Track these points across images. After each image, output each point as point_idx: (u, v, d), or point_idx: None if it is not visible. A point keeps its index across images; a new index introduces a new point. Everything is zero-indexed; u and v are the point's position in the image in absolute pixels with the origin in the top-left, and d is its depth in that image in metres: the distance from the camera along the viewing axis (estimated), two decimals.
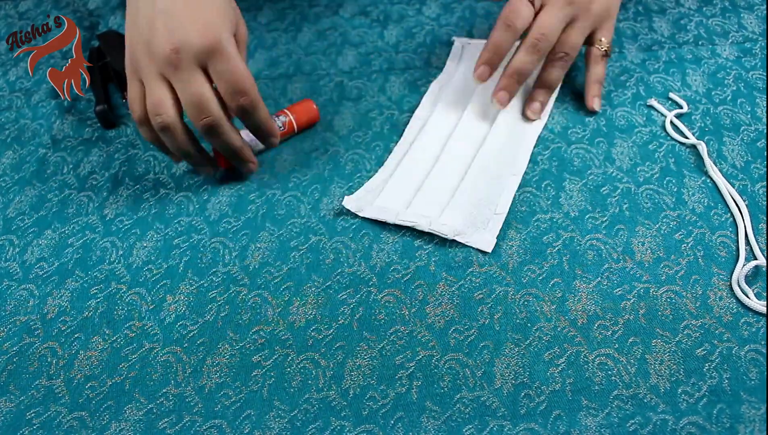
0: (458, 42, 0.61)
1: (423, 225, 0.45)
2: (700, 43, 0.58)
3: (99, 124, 0.57)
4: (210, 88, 0.44)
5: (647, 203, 0.46)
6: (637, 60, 0.57)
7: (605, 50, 0.52)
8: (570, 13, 0.49)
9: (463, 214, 0.46)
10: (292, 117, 0.53)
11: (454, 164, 0.49)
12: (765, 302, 0.40)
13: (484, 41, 0.60)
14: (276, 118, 0.52)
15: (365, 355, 0.40)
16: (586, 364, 0.38)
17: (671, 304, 0.40)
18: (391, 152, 0.51)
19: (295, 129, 0.53)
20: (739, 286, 0.40)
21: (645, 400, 0.37)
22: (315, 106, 0.54)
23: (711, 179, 0.47)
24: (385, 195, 0.48)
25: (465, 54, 0.59)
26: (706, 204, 0.45)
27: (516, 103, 0.53)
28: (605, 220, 0.45)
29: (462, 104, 0.54)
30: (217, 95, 0.44)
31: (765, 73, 0.54)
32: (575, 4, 0.49)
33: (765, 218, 0.44)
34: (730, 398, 0.36)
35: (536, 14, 0.50)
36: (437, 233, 0.45)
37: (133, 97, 0.46)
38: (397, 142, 0.52)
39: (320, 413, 0.38)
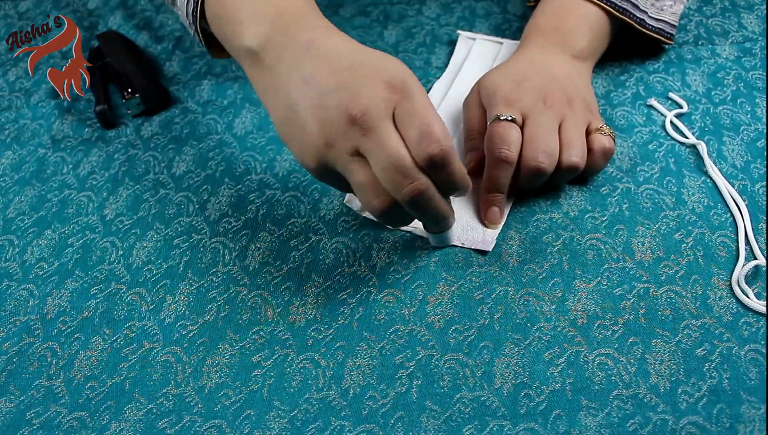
0: (462, 36, 0.61)
1: (422, 230, 0.45)
2: (699, 42, 0.58)
3: (99, 124, 0.57)
4: (406, 146, 0.35)
5: (647, 203, 0.46)
6: (637, 59, 0.57)
7: (608, 133, 0.46)
8: (558, 114, 0.45)
9: (463, 219, 0.46)
10: None
11: None
12: (765, 302, 0.40)
13: (488, 37, 0.60)
14: None
15: (365, 355, 0.40)
16: (586, 363, 0.38)
17: (671, 304, 0.40)
18: None
19: None
20: (738, 285, 0.40)
21: (645, 400, 0.37)
22: None
23: (711, 179, 0.47)
24: None
25: (470, 50, 0.59)
26: (705, 204, 0.45)
27: None
28: (605, 220, 0.45)
29: None
30: None
31: (765, 73, 0.54)
32: (556, 106, 0.45)
33: (765, 218, 0.44)
34: (730, 398, 0.36)
35: (522, 127, 0.45)
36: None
37: (354, 195, 0.39)
38: None
39: (320, 413, 0.38)
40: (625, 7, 0.51)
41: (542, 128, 0.44)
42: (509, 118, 0.44)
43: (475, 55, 0.59)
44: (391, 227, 0.46)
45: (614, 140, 0.46)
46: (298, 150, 0.38)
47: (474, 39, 0.60)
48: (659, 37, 0.53)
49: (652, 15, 0.53)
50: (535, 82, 0.47)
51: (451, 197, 0.45)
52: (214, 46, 0.47)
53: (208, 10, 0.43)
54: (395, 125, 0.36)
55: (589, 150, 0.45)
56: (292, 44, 0.39)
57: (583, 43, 0.51)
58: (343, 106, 0.35)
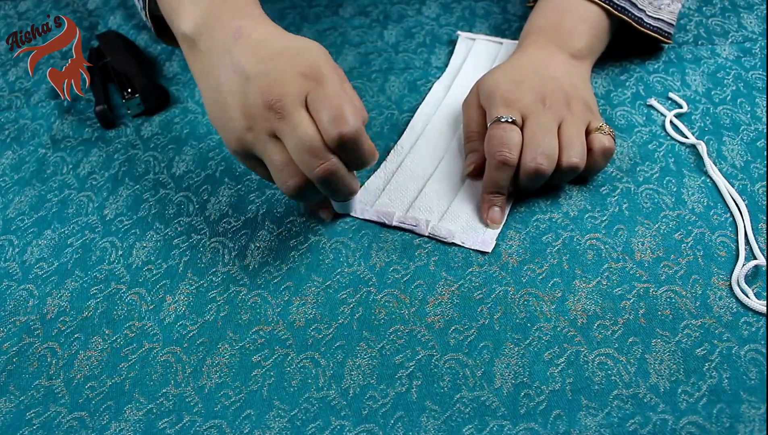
0: (462, 37, 0.61)
1: (422, 229, 0.45)
2: (699, 42, 0.58)
3: (99, 124, 0.57)
4: (317, 129, 0.38)
5: (647, 203, 0.46)
6: (637, 59, 0.57)
7: (608, 133, 0.46)
8: (557, 114, 0.45)
9: (463, 219, 0.46)
10: None
11: (456, 167, 0.49)
12: (765, 302, 0.40)
13: (488, 37, 0.60)
14: None
15: (365, 355, 0.40)
16: (586, 363, 0.38)
17: (671, 303, 0.40)
18: (391, 151, 0.51)
19: None
20: (738, 285, 0.40)
21: (645, 400, 0.37)
22: None
23: (711, 179, 0.47)
24: (385, 196, 0.48)
25: (470, 51, 0.59)
26: (705, 204, 0.45)
27: None
28: (605, 220, 0.45)
29: None
30: None
31: (764, 73, 0.54)
32: (555, 106, 0.45)
33: (764, 218, 0.44)
34: (730, 398, 0.36)
35: (521, 128, 0.45)
36: (436, 237, 0.45)
37: (269, 176, 0.41)
38: (396, 142, 0.52)
39: (320, 413, 0.38)
40: (623, 5, 0.51)
41: (541, 129, 0.44)
42: (509, 120, 0.44)
43: (475, 56, 0.59)
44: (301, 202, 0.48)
45: (614, 139, 0.46)
46: (223, 132, 0.41)
47: (474, 39, 0.60)
48: (657, 36, 0.53)
49: (650, 14, 0.53)
50: (534, 82, 0.47)
51: (457, 196, 0.46)
52: (168, 33, 0.50)
53: None
54: (309, 111, 0.38)
55: (589, 150, 0.45)
56: (223, 31, 0.41)
57: (581, 42, 0.51)
58: (261, 93, 0.38)
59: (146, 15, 0.50)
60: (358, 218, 0.47)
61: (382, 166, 0.50)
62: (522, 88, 0.46)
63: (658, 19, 0.53)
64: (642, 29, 0.53)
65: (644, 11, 0.52)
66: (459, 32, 0.61)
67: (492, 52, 0.59)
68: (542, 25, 0.52)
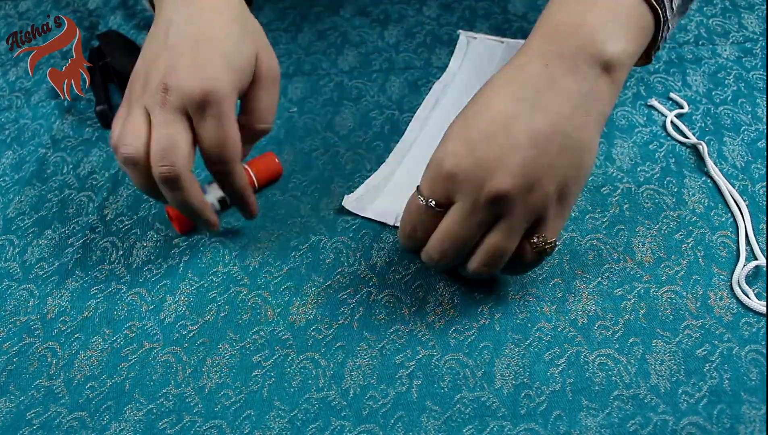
0: (463, 36, 0.61)
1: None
2: (700, 42, 0.58)
3: (99, 124, 0.57)
4: (187, 139, 0.39)
5: (647, 203, 0.46)
6: None
7: (544, 247, 0.36)
8: (492, 213, 0.35)
9: None
10: (252, 173, 0.48)
11: None
12: (765, 302, 0.40)
13: (489, 36, 0.60)
14: None
15: (365, 355, 0.40)
16: (587, 364, 0.38)
17: (671, 304, 0.40)
18: (391, 151, 0.51)
19: (256, 186, 0.49)
20: (739, 286, 0.40)
21: (645, 401, 0.37)
22: (277, 160, 0.50)
23: (711, 179, 0.47)
24: (385, 196, 0.48)
25: (469, 50, 0.59)
26: (706, 204, 0.45)
27: None
28: (605, 220, 0.45)
29: (465, 104, 0.54)
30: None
31: (765, 73, 0.54)
32: (502, 202, 0.34)
33: (765, 218, 0.44)
34: (731, 398, 0.36)
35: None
36: None
37: (119, 120, 0.41)
38: (397, 142, 0.52)
39: (320, 413, 0.38)
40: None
41: (460, 228, 0.35)
42: (431, 204, 0.36)
43: (476, 55, 0.59)
44: None
45: (548, 255, 0.37)
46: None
47: (475, 38, 0.60)
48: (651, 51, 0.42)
49: (670, 26, 0.41)
50: (495, 151, 0.34)
51: None
52: None
53: None
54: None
55: (517, 256, 0.37)
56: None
57: (616, 46, 0.35)
58: (162, 73, 0.40)
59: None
60: (358, 217, 0.47)
61: (383, 165, 0.50)
62: (475, 156, 0.34)
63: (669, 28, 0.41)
64: (662, 34, 0.39)
65: (668, 21, 0.39)
66: (460, 31, 0.61)
67: (493, 51, 0.59)
68: (560, 21, 0.37)
